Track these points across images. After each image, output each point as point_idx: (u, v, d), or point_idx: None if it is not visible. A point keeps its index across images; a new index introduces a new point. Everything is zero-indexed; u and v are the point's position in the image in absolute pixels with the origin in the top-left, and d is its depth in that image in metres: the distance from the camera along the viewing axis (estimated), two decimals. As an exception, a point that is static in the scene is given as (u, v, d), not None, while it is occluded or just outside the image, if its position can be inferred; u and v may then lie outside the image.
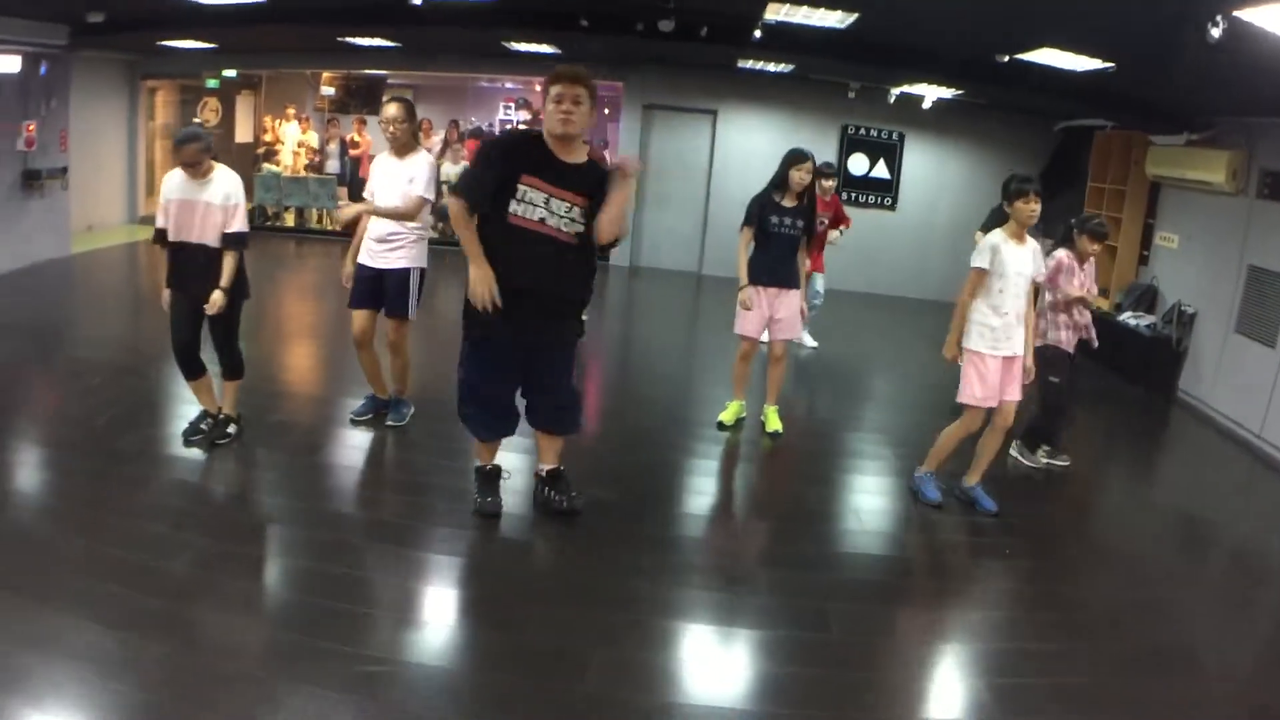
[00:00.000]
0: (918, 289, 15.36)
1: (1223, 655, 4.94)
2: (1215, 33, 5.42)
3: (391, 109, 6.46)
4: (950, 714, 4.17)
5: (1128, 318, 11.22)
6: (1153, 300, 11.35)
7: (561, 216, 5.01)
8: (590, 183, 5.06)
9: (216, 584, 4.66)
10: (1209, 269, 10.25)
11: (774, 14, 8.40)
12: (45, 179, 12.45)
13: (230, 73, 17.37)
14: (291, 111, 17.94)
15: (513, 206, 4.98)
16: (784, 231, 7.13)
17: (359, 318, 6.76)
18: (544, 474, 5.70)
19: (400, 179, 6.47)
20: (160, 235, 6.13)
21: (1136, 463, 8.95)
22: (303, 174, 17.00)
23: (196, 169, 5.89)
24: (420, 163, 6.52)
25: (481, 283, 4.94)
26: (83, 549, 4.77)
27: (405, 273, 6.62)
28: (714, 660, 4.43)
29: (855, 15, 7.98)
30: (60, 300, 11.27)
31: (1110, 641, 4.88)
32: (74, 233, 13.58)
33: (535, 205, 4.99)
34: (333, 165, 17.40)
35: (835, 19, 8.23)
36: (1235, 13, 5.19)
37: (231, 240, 6.00)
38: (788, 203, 7.13)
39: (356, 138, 17.44)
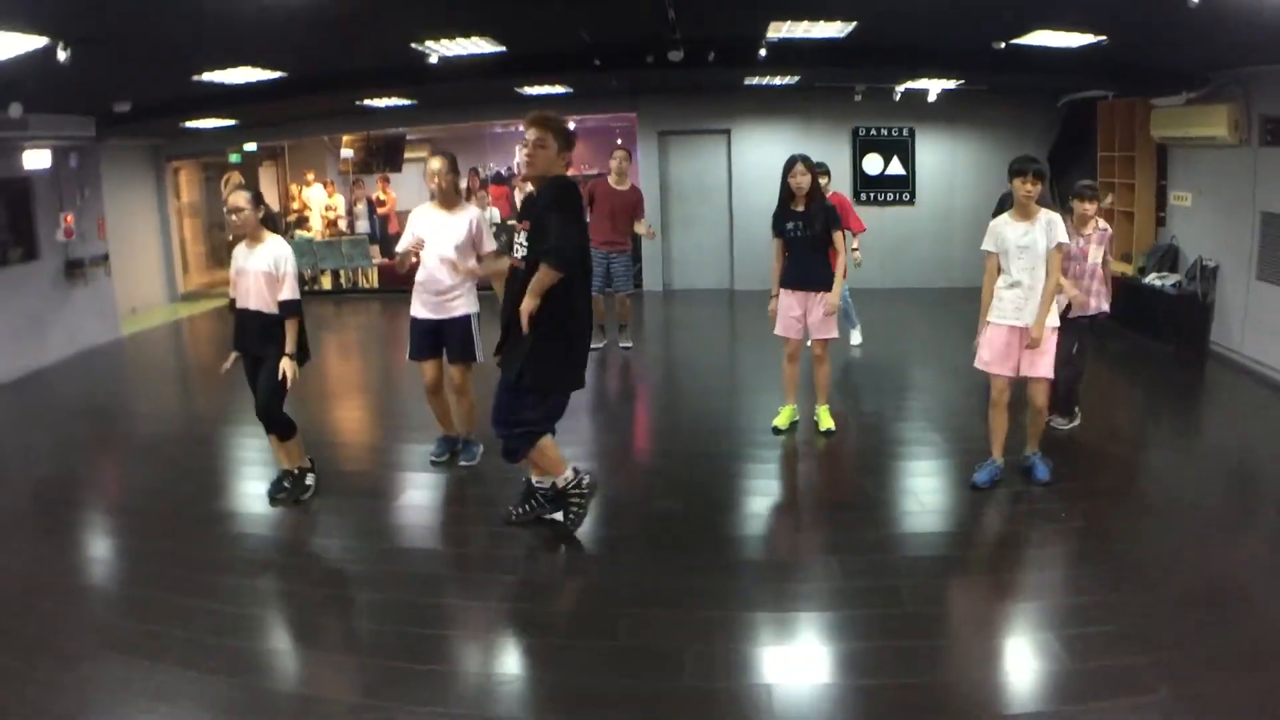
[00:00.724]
0: (944, 278, 15.51)
1: (1272, 590, 5.15)
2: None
3: (435, 163, 6.77)
4: (1026, 666, 4.46)
5: (1153, 279, 11.41)
6: (1175, 259, 11.53)
7: (519, 245, 5.52)
8: (529, 208, 5.50)
9: (323, 625, 5.04)
10: (1224, 221, 10.47)
11: (776, 32, 8.70)
12: (88, 266, 12.86)
13: (251, 146, 17.76)
14: (311, 177, 18.22)
15: None
16: (799, 235, 7.45)
17: (428, 368, 7.07)
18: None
19: (455, 233, 6.75)
20: (231, 304, 6.52)
21: (1177, 417, 9.16)
22: (334, 237, 17.32)
23: (244, 223, 6.26)
24: (478, 218, 6.85)
25: None
26: (190, 608, 5.08)
27: (466, 319, 6.92)
28: (800, 643, 4.72)
29: (854, 23, 8.27)
30: (121, 381, 11.74)
31: (1166, 586, 5.15)
32: (120, 315, 14.02)
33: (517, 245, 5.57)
34: (363, 225, 17.72)
35: (835, 29, 8.51)
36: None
37: (283, 308, 6.28)
38: (798, 207, 7.46)
39: (382, 196, 17.74)
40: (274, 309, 6.28)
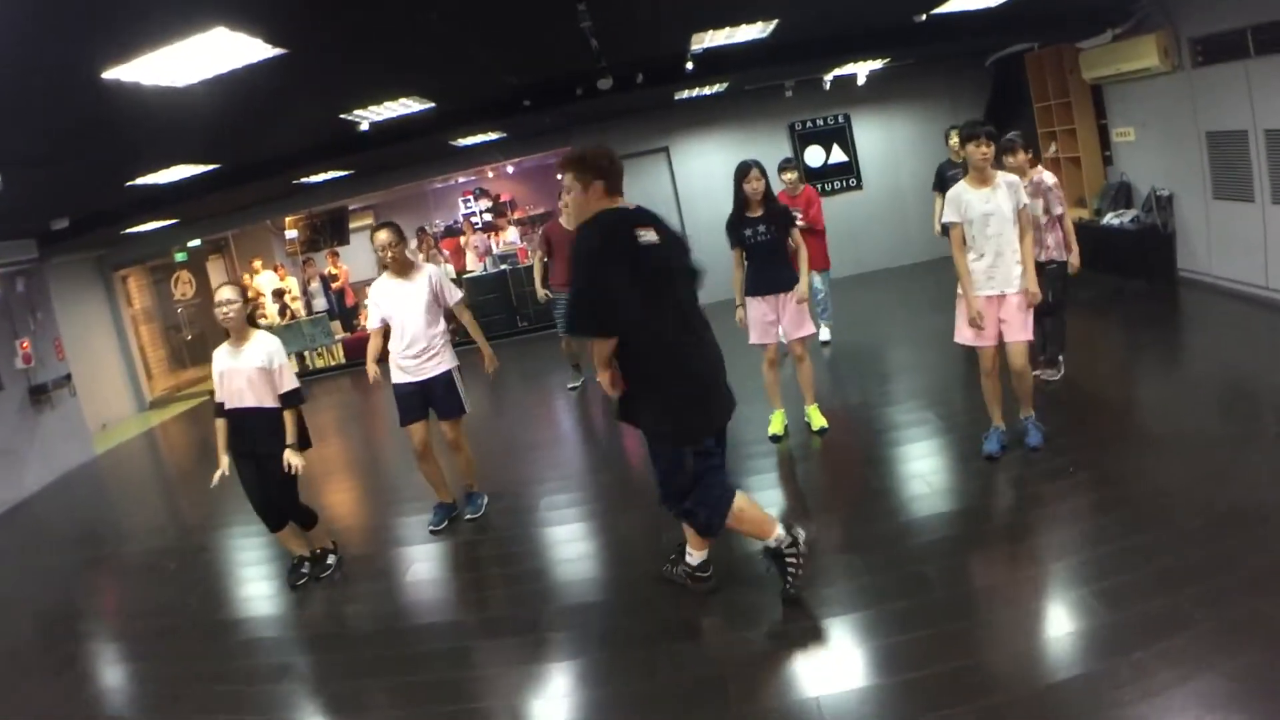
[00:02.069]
0: (904, 256, 15.62)
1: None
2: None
3: (382, 235, 6.74)
4: (1065, 628, 4.41)
5: (1110, 219, 11.46)
6: (1128, 195, 11.60)
7: None
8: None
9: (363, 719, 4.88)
10: (1171, 149, 10.52)
11: (700, 43, 8.71)
12: (52, 390, 12.73)
13: (195, 242, 17.61)
14: (258, 264, 18.11)
15: None
16: (760, 240, 7.39)
17: (416, 431, 7.02)
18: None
19: (418, 297, 6.77)
20: (218, 408, 6.42)
21: (1160, 349, 9.20)
22: (292, 320, 17.08)
23: (236, 316, 6.23)
24: (435, 275, 6.88)
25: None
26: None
27: (448, 374, 6.95)
28: (839, 648, 4.64)
29: (774, 21, 8.28)
30: (104, 501, 11.49)
31: (1187, 518, 5.16)
32: (92, 434, 13.89)
33: None
34: (320, 303, 17.58)
35: (757, 30, 8.54)
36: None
37: (286, 399, 6.31)
38: (754, 213, 7.39)
39: (334, 270, 17.62)
40: (273, 403, 6.31)
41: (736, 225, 7.46)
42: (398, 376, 6.94)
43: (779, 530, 5.08)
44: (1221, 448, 6.11)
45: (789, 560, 5.07)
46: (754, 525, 5.11)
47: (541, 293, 10.75)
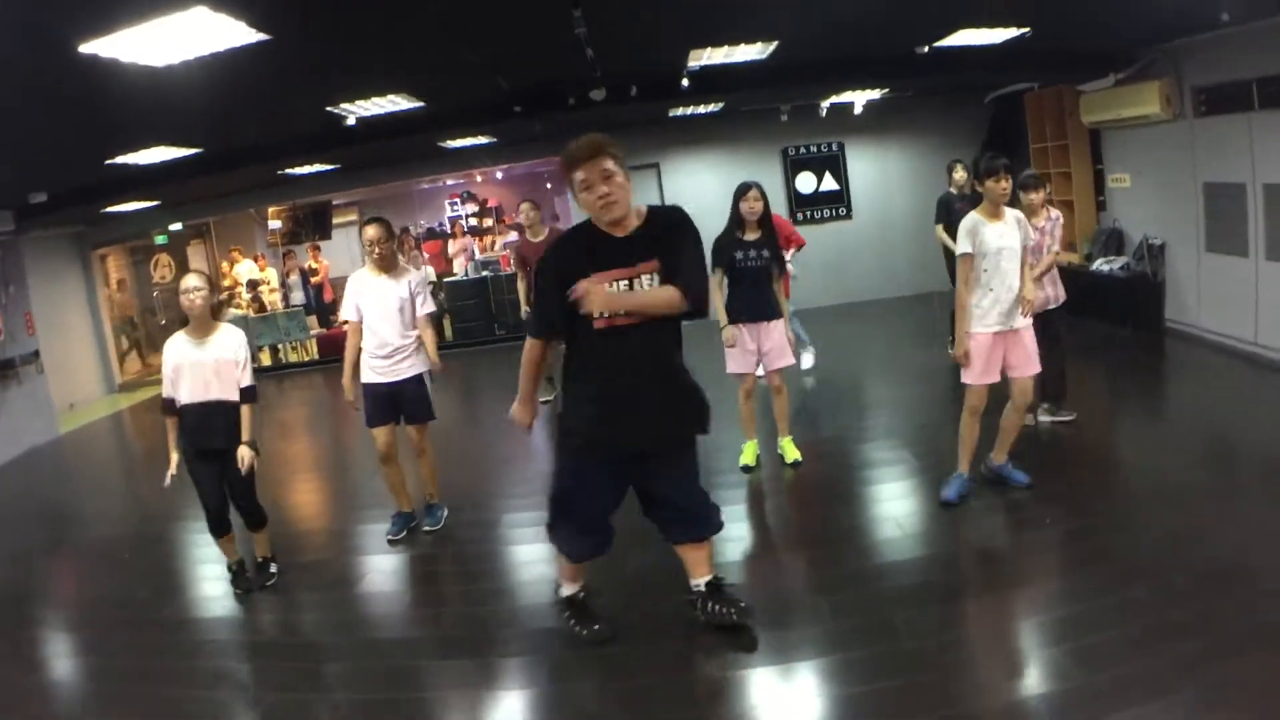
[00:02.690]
0: (891, 288, 15.51)
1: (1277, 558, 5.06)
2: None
3: (371, 230, 6.63)
4: (1038, 689, 4.22)
5: (1100, 265, 11.38)
6: (1119, 242, 11.53)
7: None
8: (652, 244, 4.55)
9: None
10: (1167, 198, 10.46)
11: (697, 60, 8.58)
12: (19, 366, 12.53)
13: (176, 225, 17.39)
14: (237, 254, 17.93)
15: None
16: (751, 265, 7.22)
17: (382, 434, 6.84)
18: (701, 589, 5.07)
19: (394, 296, 6.65)
20: (169, 404, 6.17)
21: (1145, 400, 9.11)
22: (268, 311, 16.84)
23: (202, 304, 6.04)
24: (417, 281, 6.76)
25: (522, 418, 4.98)
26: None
27: (419, 378, 6.81)
28: (799, 698, 4.45)
29: (774, 43, 8.17)
30: (64, 483, 11.26)
31: (1170, 575, 5.01)
32: (58, 413, 13.65)
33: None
34: (297, 296, 17.37)
35: (756, 51, 8.43)
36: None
37: (248, 394, 6.12)
38: (749, 236, 7.23)
39: (314, 265, 17.42)
40: (235, 397, 6.12)
41: (727, 246, 7.26)
42: (368, 376, 6.77)
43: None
44: (1203, 503, 5.99)
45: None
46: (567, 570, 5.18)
47: (525, 310, 10.54)
